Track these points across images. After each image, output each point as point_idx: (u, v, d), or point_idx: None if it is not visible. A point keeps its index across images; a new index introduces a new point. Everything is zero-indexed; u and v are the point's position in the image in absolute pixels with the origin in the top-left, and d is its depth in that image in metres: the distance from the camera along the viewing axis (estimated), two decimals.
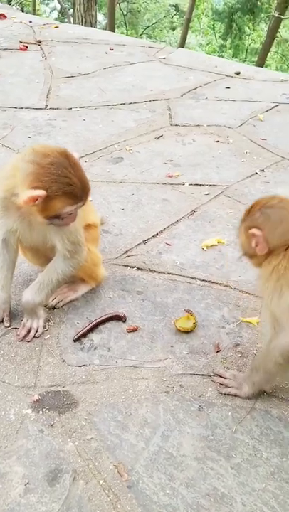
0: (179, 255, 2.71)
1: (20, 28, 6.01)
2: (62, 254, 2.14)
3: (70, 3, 22.16)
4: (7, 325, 2.25)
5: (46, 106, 4.19)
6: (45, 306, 2.30)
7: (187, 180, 3.36)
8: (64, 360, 2.12)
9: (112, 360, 2.13)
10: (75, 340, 2.20)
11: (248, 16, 25.32)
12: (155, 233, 2.86)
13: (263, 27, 25.09)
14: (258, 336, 2.28)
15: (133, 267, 2.61)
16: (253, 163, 3.56)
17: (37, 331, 2.21)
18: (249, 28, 25.59)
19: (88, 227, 2.31)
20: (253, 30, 25.81)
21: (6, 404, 1.93)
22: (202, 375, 2.09)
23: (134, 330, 2.26)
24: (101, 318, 2.28)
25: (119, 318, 2.30)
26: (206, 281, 2.56)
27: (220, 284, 2.55)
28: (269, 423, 1.91)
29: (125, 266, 2.62)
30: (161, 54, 5.60)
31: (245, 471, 1.77)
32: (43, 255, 2.30)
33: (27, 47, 5.35)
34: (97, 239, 2.47)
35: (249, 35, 25.73)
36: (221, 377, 2.07)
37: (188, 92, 4.68)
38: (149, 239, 2.82)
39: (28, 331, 2.21)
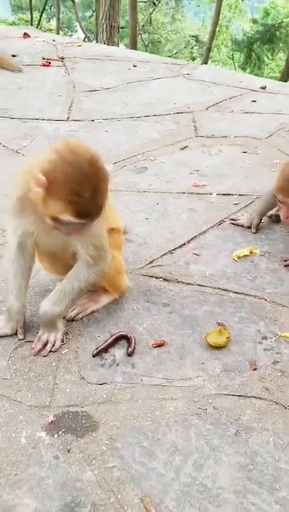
0: (208, 266, 2.50)
1: (43, 46, 6.01)
2: (85, 260, 1.95)
3: (93, 34, 22.67)
4: (21, 337, 2.05)
5: (68, 118, 4.08)
6: (64, 318, 2.10)
7: (214, 190, 3.17)
8: (83, 378, 1.90)
9: (137, 377, 1.90)
10: (94, 356, 1.98)
11: (267, 45, 25.56)
12: (182, 243, 2.66)
13: (282, 56, 25.25)
14: None
15: (159, 278, 2.40)
16: None
17: (54, 345, 2.01)
18: (268, 57, 25.78)
19: (112, 231, 2.12)
20: (272, 59, 25.98)
21: (17, 425, 1.71)
22: (238, 395, 1.85)
23: (160, 345, 2.04)
24: (111, 339, 2.04)
25: (127, 340, 2.05)
26: (238, 293, 2.33)
27: (254, 296, 2.32)
28: None
29: (150, 277, 2.41)
30: (184, 70, 5.51)
31: None
32: (62, 262, 2.11)
33: (50, 63, 5.31)
34: (120, 245, 2.28)
35: (268, 64, 25.90)
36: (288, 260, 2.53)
37: (214, 105, 4.54)
38: (175, 249, 2.62)
39: (44, 345, 2.01)
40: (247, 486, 1.56)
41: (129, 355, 1.98)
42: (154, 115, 4.24)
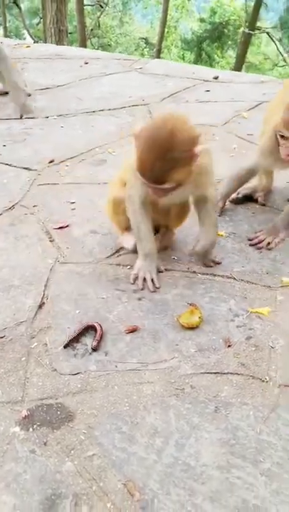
0: (175, 250, 2.48)
1: None
2: (207, 197, 2.20)
3: (41, 41, 22.43)
4: (157, 285, 2.24)
5: (22, 116, 3.99)
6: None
7: None
8: (55, 369, 1.84)
9: (111, 364, 1.86)
10: (65, 347, 1.93)
11: (216, 43, 25.91)
12: None
13: (231, 53, 25.64)
14: (272, 326, 2.03)
15: (126, 266, 2.37)
16: (243, 157, 3.36)
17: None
18: (218, 55, 26.13)
19: None
20: (222, 57, 26.35)
21: None
22: (215, 373, 1.83)
23: (133, 330, 2.00)
24: (79, 330, 1.98)
25: (93, 329, 1.99)
26: (207, 274, 2.32)
27: (222, 276, 2.31)
28: None
29: (118, 265, 2.37)
30: (137, 65, 5.49)
31: (278, 476, 1.49)
32: (167, 212, 2.37)
33: None
34: None
35: (218, 62, 26.24)
36: (254, 240, 2.53)
37: (168, 96, 4.54)
38: None
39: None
40: (231, 461, 1.54)
41: (94, 349, 1.91)
42: (109, 109, 4.20)
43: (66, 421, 1.65)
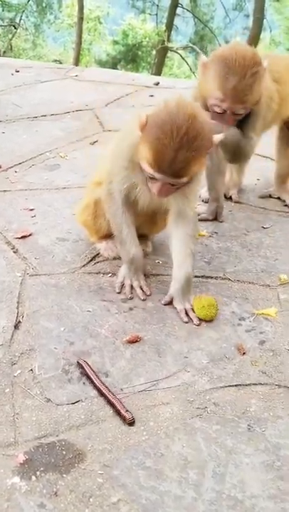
0: (158, 254, 2.23)
1: None
2: (187, 215, 1.86)
3: None
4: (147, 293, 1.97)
5: None
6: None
7: None
8: (49, 400, 1.51)
9: (115, 387, 1.57)
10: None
11: (130, 65, 26.34)
12: None
13: (147, 74, 26.10)
14: (283, 327, 1.83)
15: (107, 273, 2.08)
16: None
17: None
18: None
19: None
20: None
21: None
22: (236, 385, 1.59)
23: (134, 341, 1.73)
24: (109, 397, 1.50)
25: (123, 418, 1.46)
26: (199, 276, 2.09)
27: (216, 277, 2.10)
28: None
29: (97, 273, 2.08)
30: (72, 73, 5.23)
31: None
32: (149, 221, 2.08)
33: None
34: None
35: None
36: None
37: (112, 101, 4.32)
38: None
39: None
40: (282, 487, 1.30)
41: (131, 423, 1.43)
42: (52, 114, 3.90)
43: (76, 462, 1.34)
